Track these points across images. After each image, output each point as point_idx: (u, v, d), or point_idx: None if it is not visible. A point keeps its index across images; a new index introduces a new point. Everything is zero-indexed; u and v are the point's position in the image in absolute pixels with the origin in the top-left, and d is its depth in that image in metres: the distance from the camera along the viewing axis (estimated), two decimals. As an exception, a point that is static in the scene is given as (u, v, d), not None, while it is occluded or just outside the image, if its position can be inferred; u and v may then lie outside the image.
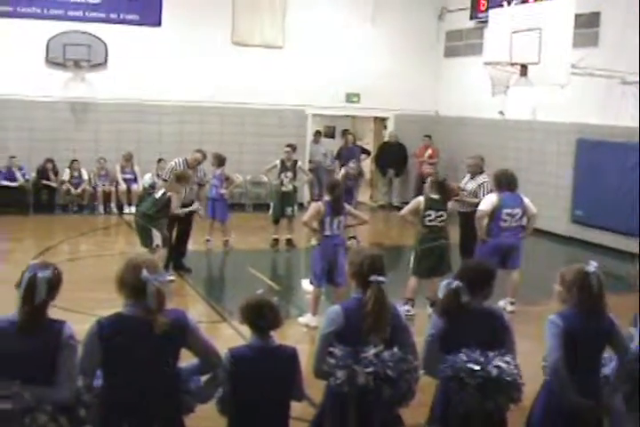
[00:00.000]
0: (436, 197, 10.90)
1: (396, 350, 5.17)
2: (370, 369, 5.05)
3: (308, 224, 10.67)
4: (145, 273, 4.63)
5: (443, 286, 5.40)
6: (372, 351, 5.10)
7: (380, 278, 5.23)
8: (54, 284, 4.74)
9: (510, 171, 11.67)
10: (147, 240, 12.25)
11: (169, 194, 12.21)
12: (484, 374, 5.15)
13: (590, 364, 5.47)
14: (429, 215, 10.82)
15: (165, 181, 13.00)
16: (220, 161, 15.25)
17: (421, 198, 11.03)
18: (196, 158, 13.56)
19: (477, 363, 5.17)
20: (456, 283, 5.33)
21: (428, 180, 11.38)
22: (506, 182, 11.32)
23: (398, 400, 5.22)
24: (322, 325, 5.47)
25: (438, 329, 5.34)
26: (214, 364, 4.99)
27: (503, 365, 5.21)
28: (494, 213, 11.12)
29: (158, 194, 12.36)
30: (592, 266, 5.39)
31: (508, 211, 11.11)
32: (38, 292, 4.63)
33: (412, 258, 11.08)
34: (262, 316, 5.04)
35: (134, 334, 4.69)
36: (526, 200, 11.35)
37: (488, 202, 11.24)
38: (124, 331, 4.68)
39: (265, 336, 5.08)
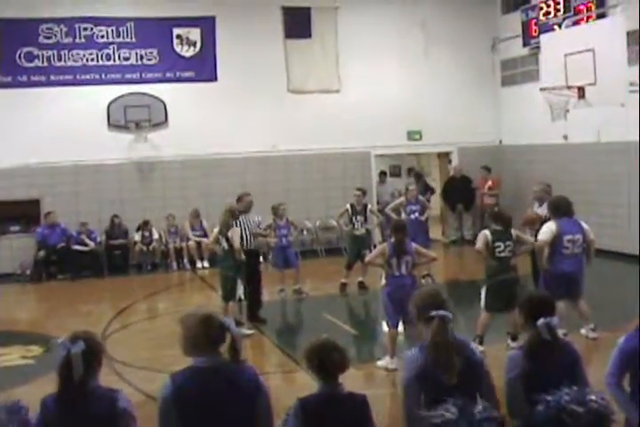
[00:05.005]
0: (498, 227, 10.86)
1: (480, 403, 4.89)
2: None
3: (372, 263, 10.89)
4: (226, 320, 4.61)
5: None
6: (448, 414, 4.82)
7: (442, 312, 5.09)
8: (92, 355, 4.66)
9: (565, 197, 11.46)
10: (232, 293, 12.38)
11: (229, 234, 12.35)
12: (587, 414, 4.93)
13: None
14: (499, 247, 10.75)
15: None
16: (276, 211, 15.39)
17: (487, 231, 10.97)
18: (248, 201, 13.69)
19: (579, 403, 4.94)
20: (541, 321, 5.14)
21: (486, 213, 11.34)
22: (562, 209, 11.15)
23: None
24: (402, 373, 5.30)
25: (522, 369, 5.13)
26: None
27: (598, 399, 5.01)
28: (555, 242, 10.90)
29: (224, 244, 12.46)
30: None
31: (569, 237, 10.89)
32: (76, 369, 4.56)
33: (482, 292, 10.91)
34: (328, 358, 4.86)
35: (208, 385, 4.58)
36: (585, 225, 11.14)
37: (547, 231, 11.03)
38: (197, 382, 4.59)
39: (333, 382, 4.90)
